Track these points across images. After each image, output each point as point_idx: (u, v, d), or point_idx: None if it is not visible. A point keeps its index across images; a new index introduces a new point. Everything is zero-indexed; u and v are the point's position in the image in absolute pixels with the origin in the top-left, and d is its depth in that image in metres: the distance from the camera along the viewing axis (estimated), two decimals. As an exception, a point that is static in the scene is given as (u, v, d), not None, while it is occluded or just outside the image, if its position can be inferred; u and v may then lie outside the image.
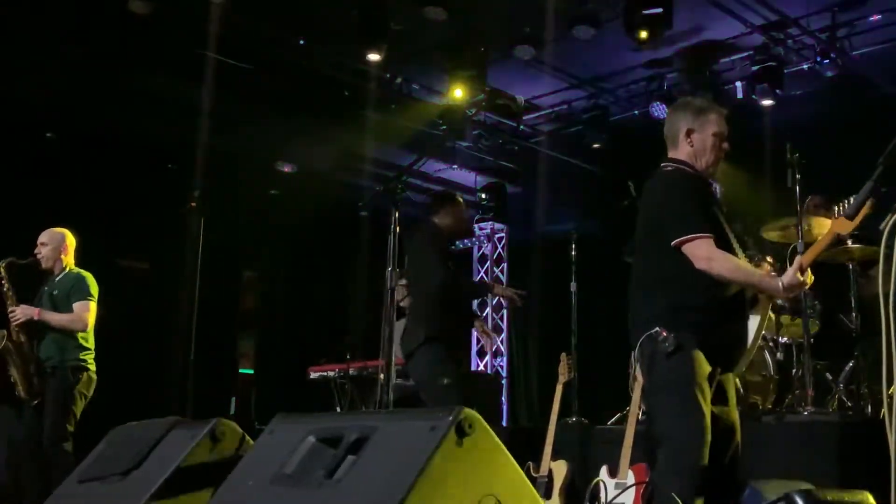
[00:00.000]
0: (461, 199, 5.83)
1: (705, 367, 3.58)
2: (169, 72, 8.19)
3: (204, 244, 6.44)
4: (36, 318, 5.89)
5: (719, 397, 3.72)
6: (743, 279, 3.66)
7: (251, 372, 10.90)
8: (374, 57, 8.36)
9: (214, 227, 6.20)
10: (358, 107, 9.34)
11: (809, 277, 3.74)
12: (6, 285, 5.96)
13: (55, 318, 5.94)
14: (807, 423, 5.12)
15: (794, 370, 5.89)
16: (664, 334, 3.58)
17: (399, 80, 9.58)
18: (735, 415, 3.84)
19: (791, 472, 4.35)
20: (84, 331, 5.99)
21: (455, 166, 10.96)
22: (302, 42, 8.71)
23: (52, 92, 8.01)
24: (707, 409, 3.53)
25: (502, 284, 5.95)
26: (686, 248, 3.61)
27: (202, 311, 6.44)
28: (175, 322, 8.09)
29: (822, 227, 6.03)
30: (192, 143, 8.53)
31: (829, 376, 5.95)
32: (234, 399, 10.28)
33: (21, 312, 5.87)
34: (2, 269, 5.96)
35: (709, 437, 3.48)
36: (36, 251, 6.08)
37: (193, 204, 5.71)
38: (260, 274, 11.07)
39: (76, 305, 5.99)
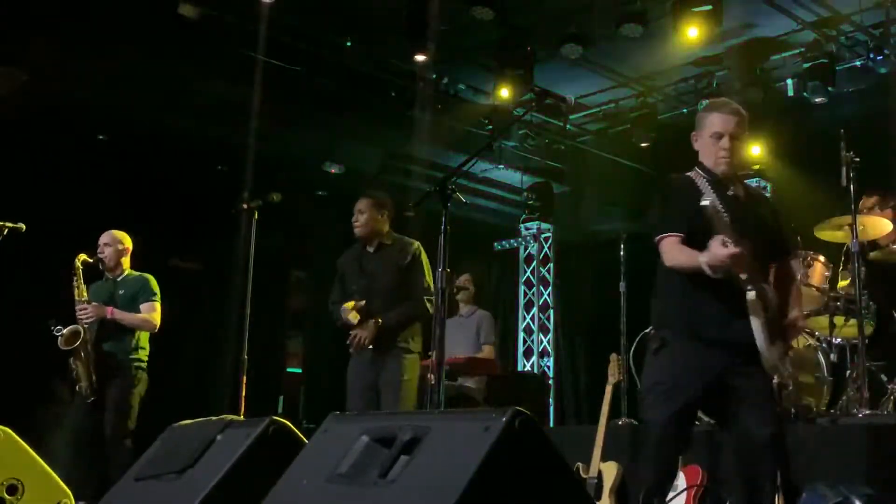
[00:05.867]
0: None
1: (688, 363, 3.65)
2: (218, 74, 8.27)
3: (254, 245, 6.50)
4: (108, 317, 5.95)
5: (728, 396, 3.66)
6: (687, 263, 3.67)
7: (299, 371, 10.98)
8: (420, 57, 8.39)
9: (263, 228, 6.26)
10: (405, 107, 9.37)
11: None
12: (79, 282, 5.98)
13: (129, 317, 6.01)
14: (862, 426, 5.02)
15: (848, 372, 5.79)
16: (653, 333, 3.79)
17: (446, 80, 9.60)
18: (762, 413, 3.68)
19: (846, 476, 4.29)
20: (154, 331, 6.09)
21: (501, 166, 10.95)
22: (349, 44, 8.76)
23: (103, 94, 8.11)
24: (683, 404, 3.63)
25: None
26: (660, 250, 3.80)
27: (252, 311, 6.50)
28: (226, 322, 8.17)
29: (877, 226, 5.95)
30: (241, 144, 8.61)
31: (884, 377, 5.84)
32: (281, 398, 10.36)
33: (94, 311, 5.91)
34: (77, 264, 5.99)
35: (670, 433, 3.60)
36: (99, 251, 6.13)
37: (245, 205, 5.75)
38: (308, 274, 11.13)
39: (144, 306, 6.08)
